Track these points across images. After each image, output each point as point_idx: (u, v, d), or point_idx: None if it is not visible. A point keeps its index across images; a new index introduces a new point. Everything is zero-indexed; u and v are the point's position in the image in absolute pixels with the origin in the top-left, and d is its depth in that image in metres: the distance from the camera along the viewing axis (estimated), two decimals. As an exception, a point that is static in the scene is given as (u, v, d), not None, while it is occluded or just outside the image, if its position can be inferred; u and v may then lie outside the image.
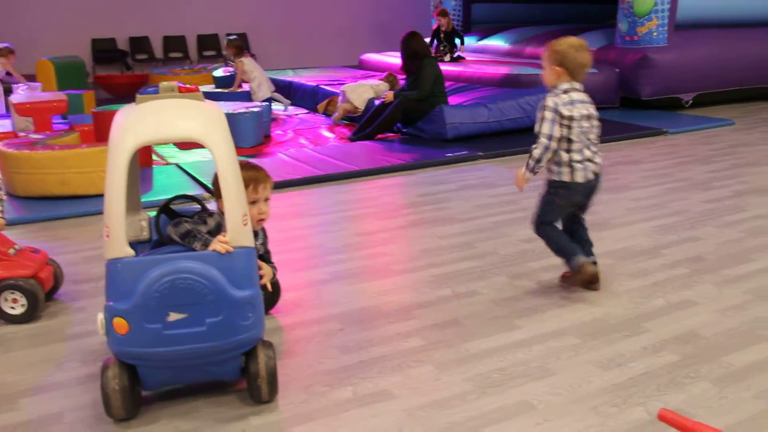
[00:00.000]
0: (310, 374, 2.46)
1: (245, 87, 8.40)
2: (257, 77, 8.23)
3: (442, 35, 9.88)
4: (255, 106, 6.80)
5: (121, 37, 12.72)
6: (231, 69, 9.09)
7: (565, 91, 2.94)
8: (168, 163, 5.84)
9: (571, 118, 2.91)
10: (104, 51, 12.55)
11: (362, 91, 7.45)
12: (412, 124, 6.60)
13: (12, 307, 2.90)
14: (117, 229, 2.08)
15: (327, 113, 8.07)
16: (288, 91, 9.27)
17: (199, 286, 2.07)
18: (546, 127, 2.91)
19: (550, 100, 2.93)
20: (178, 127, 2.17)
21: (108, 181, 2.09)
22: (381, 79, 7.90)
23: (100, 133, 5.63)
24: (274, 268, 2.72)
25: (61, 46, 11.45)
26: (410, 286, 3.24)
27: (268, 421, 2.19)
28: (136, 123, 2.15)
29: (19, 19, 11.67)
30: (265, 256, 2.72)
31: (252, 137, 6.39)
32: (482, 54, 10.53)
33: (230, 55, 8.72)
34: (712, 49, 8.10)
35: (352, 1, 14.44)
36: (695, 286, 3.16)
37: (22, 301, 2.90)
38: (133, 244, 2.18)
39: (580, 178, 2.97)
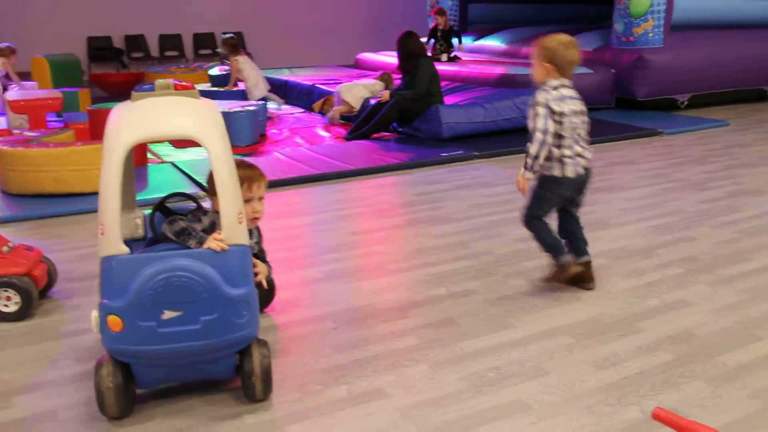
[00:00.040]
0: (304, 373, 2.46)
1: (241, 86, 8.39)
2: (253, 76, 8.22)
3: (439, 34, 9.89)
4: (250, 105, 6.80)
5: (116, 35, 12.71)
6: (227, 67, 9.07)
7: (555, 88, 2.95)
8: (163, 162, 5.83)
9: (561, 114, 2.92)
10: (100, 49, 12.53)
11: (357, 91, 7.46)
12: (408, 124, 6.60)
13: (5, 305, 2.89)
14: (112, 227, 2.07)
15: (323, 112, 8.07)
16: (284, 90, 9.26)
17: (193, 284, 2.07)
18: (540, 122, 2.91)
19: (540, 96, 2.94)
20: (173, 124, 2.16)
21: (103, 179, 2.08)
22: (376, 78, 7.91)
23: (95, 131, 5.61)
24: (269, 266, 2.72)
25: (56, 43, 11.43)
26: (405, 285, 3.24)
27: (263, 420, 2.19)
28: (132, 120, 2.14)
29: (14, 17, 11.64)
30: (259, 255, 2.71)
31: (247, 136, 6.39)
32: (478, 54, 10.55)
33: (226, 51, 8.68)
34: (707, 50, 8.13)
35: (349, 0, 14.45)
36: (690, 286, 3.17)
37: (16, 298, 2.89)
38: (128, 242, 2.18)
39: (570, 172, 2.99)
